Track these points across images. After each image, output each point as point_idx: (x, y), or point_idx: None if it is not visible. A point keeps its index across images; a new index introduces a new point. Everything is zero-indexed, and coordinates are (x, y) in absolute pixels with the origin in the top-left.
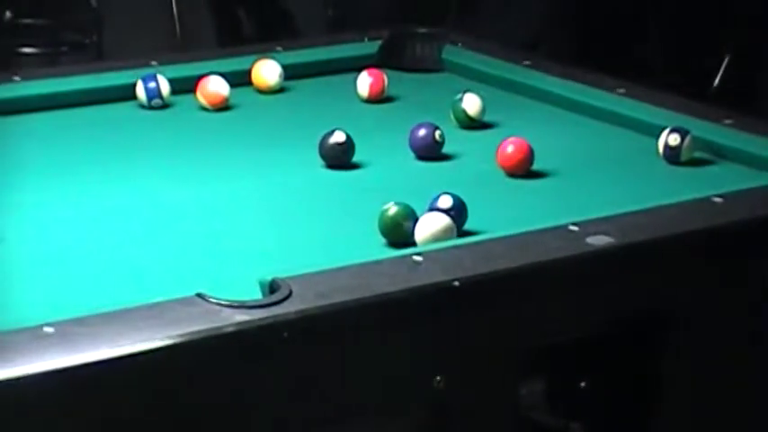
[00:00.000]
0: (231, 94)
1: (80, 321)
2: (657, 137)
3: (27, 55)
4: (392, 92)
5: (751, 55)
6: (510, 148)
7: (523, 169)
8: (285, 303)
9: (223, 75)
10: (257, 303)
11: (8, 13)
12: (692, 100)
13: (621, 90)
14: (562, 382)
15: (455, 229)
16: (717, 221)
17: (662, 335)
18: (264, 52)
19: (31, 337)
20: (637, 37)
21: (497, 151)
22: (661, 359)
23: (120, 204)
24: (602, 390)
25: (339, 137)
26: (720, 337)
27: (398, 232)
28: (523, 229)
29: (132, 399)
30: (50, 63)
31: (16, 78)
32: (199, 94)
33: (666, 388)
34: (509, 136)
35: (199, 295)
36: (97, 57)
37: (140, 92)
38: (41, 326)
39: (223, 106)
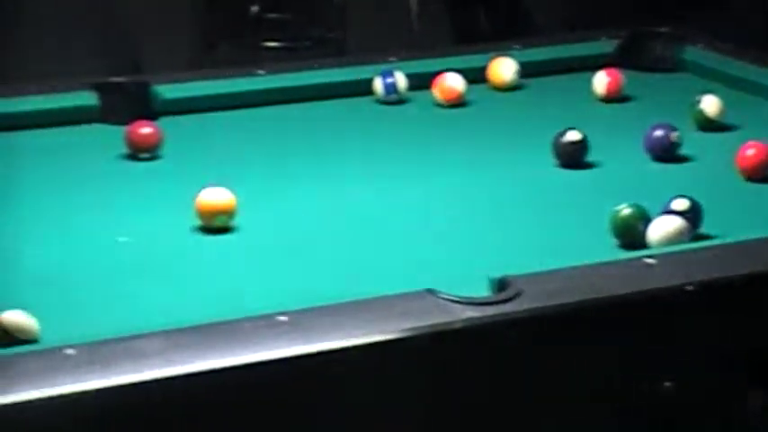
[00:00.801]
0: (467, 90)
1: (313, 311)
2: None
3: (271, 49)
4: (629, 91)
5: None
6: (750, 152)
7: (764, 173)
8: (515, 301)
9: (460, 71)
10: (487, 300)
11: (254, 8)
12: None
13: None
14: None
15: (690, 233)
16: None
17: None
18: (501, 50)
19: (265, 324)
20: None
21: (737, 154)
22: None
23: (354, 197)
24: None
25: (574, 135)
26: None
27: (631, 234)
28: (762, 235)
29: (360, 389)
30: (294, 57)
31: (260, 72)
32: (435, 90)
33: None
34: (750, 139)
35: (429, 290)
36: (339, 52)
37: (378, 87)
38: (275, 314)
39: (458, 102)
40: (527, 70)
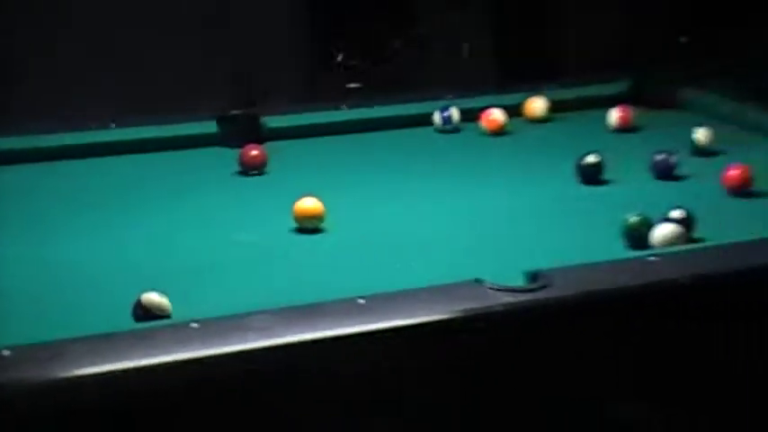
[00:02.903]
0: (508, 122)
1: (387, 297)
2: None
3: (354, 89)
4: (637, 124)
5: None
6: (733, 172)
7: (744, 189)
8: (545, 290)
9: (503, 107)
10: (521, 288)
11: (339, 57)
12: None
13: None
14: None
15: (685, 237)
16: None
17: None
18: (536, 89)
19: (348, 306)
20: None
21: (722, 174)
22: None
23: (418, 207)
24: None
25: (592, 158)
26: None
27: (638, 237)
28: (743, 239)
29: (416, 361)
30: (371, 96)
31: (344, 107)
32: (482, 121)
33: None
34: (732, 162)
35: (476, 280)
36: (404, 91)
37: (437, 119)
38: (356, 298)
39: (501, 132)
40: (556, 106)
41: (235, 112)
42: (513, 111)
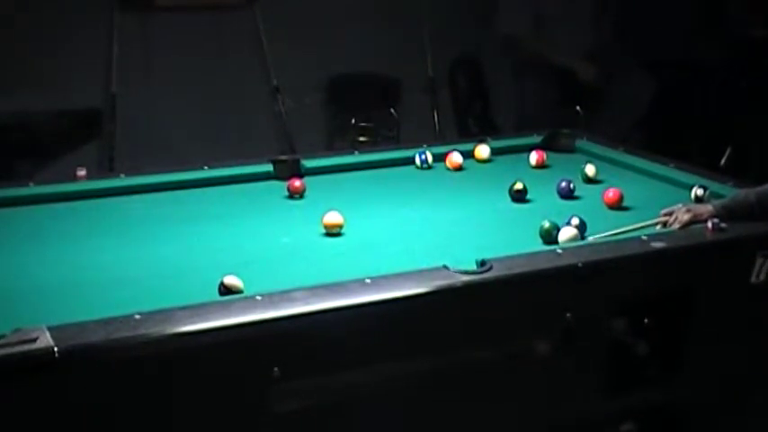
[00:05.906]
0: (464, 162)
1: (386, 278)
2: (690, 189)
3: (363, 142)
4: (548, 162)
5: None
6: (610, 193)
7: (617, 205)
8: (488, 272)
9: (460, 152)
10: (473, 271)
11: (353, 120)
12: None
13: (672, 164)
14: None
15: (579, 236)
16: None
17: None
18: (481, 140)
19: (359, 285)
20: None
21: (603, 195)
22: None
23: (404, 217)
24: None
25: (519, 185)
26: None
27: (549, 237)
28: (613, 239)
29: (406, 319)
30: (374, 144)
31: (356, 152)
32: (446, 162)
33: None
34: (610, 187)
35: (444, 266)
36: (396, 142)
37: (417, 160)
38: (364, 278)
39: (459, 169)
40: (495, 151)
41: (283, 157)
42: (467, 154)
